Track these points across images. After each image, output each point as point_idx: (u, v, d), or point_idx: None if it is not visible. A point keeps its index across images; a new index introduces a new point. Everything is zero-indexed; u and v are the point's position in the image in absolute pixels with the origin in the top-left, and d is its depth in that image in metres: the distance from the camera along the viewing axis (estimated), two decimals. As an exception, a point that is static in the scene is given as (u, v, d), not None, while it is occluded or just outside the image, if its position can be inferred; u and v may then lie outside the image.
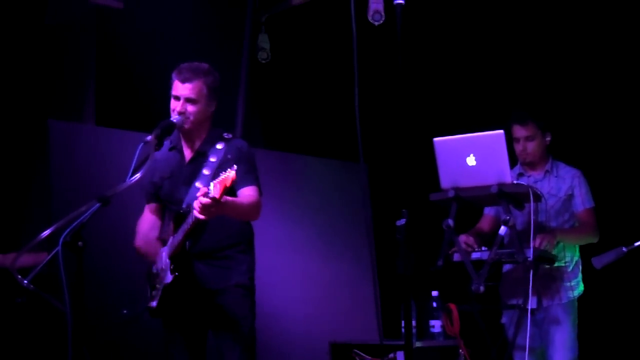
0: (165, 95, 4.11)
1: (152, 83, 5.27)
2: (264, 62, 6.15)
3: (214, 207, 3.61)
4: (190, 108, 4.01)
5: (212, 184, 3.56)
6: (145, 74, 5.59)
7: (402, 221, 3.03)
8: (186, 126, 4.02)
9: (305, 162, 6.51)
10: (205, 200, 3.58)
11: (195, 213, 3.66)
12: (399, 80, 2.98)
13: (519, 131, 4.79)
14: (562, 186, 4.80)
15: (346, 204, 6.57)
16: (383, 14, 5.53)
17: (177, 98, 4.02)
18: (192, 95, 4.00)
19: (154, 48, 5.65)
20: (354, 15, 3.57)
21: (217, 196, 3.54)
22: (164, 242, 4.08)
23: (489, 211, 4.97)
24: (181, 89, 4.01)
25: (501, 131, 4.36)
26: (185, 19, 5.77)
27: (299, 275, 6.22)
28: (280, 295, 5.91)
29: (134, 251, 4.20)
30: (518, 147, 4.82)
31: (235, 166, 3.57)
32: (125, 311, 4.19)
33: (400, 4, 2.83)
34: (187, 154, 4.13)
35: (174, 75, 4.06)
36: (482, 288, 4.32)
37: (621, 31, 5.78)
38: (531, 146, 4.80)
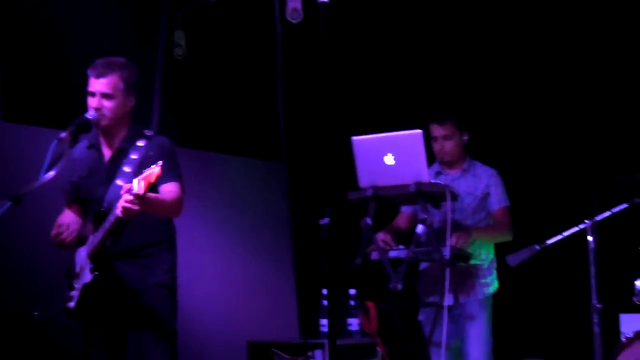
0: (81, 90, 4.02)
1: (66, 78, 5.14)
2: (180, 58, 6.05)
3: (137, 204, 3.55)
4: (107, 104, 3.94)
5: (135, 180, 3.53)
6: (58, 68, 5.43)
7: (326, 220, 3.03)
8: (103, 122, 3.95)
9: (224, 160, 6.44)
10: (129, 197, 3.53)
11: (118, 211, 3.59)
12: (322, 78, 2.97)
13: (437, 130, 4.85)
14: (479, 185, 4.88)
15: (266, 202, 6.54)
16: (301, 12, 5.55)
17: (93, 94, 3.95)
18: (108, 90, 3.93)
19: (67, 41, 5.49)
20: (279, 12, 3.53)
21: (141, 193, 3.51)
22: (83, 241, 3.98)
23: (406, 209, 5.01)
24: (96, 84, 3.94)
25: (419, 131, 4.40)
26: (100, 13, 5.63)
27: (219, 274, 6.15)
28: (199, 294, 5.84)
29: (49, 251, 4.09)
30: (436, 146, 4.88)
31: (160, 162, 3.54)
32: (36, 313, 4.08)
33: (325, 2, 2.80)
34: (107, 152, 4.05)
35: (88, 71, 3.99)
36: (399, 286, 4.34)
37: (533, 34, 5.90)
38: (449, 145, 4.87)
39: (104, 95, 3.93)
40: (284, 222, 6.53)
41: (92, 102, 3.94)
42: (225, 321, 6.06)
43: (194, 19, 6.14)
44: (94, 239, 3.88)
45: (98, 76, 3.93)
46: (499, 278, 4.87)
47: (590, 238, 4.30)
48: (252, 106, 6.54)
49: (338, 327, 5.27)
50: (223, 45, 6.41)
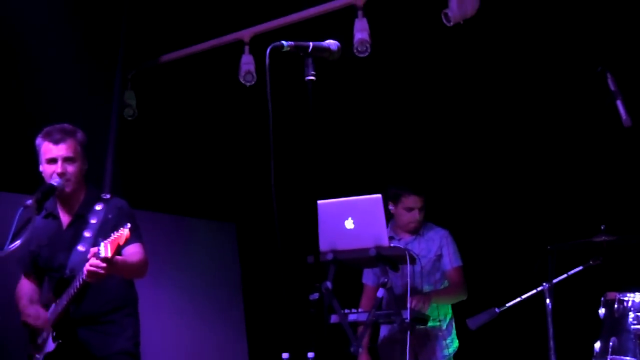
0: (28, 151, 3.95)
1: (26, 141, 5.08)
2: (130, 119, 6.03)
3: (104, 268, 3.52)
4: (70, 168, 3.91)
5: (102, 244, 3.49)
6: (18, 131, 5.34)
7: (316, 295, 3.03)
8: (68, 188, 3.90)
9: (175, 221, 6.40)
10: (96, 261, 3.49)
11: (84, 276, 3.55)
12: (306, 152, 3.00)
13: (416, 201, 4.91)
14: (432, 247, 4.95)
15: (217, 263, 6.50)
16: (255, 75, 5.64)
17: (54, 160, 3.90)
18: (70, 154, 3.91)
19: (21, 104, 5.41)
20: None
21: (109, 256, 3.48)
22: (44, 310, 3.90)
23: (366, 280, 5.04)
24: (56, 150, 3.90)
25: (379, 195, 4.46)
26: (56, 74, 5.58)
27: (171, 336, 6.06)
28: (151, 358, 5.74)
29: (10, 320, 3.98)
30: (410, 215, 4.91)
31: (128, 225, 3.52)
32: None
33: (311, 79, 2.86)
34: (65, 218, 4.01)
35: (42, 139, 3.94)
36: (361, 350, 4.38)
37: (486, 102, 5.97)
38: (422, 216, 4.94)
39: (66, 160, 3.89)
40: (235, 284, 6.49)
41: (55, 168, 3.88)
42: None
43: (144, 80, 6.13)
44: (57, 307, 3.81)
45: (57, 142, 3.89)
46: (459, 337, 4.90)
47: (547, 300, 4.38)
48: (201, 166, 6.53)
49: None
50: (173, 105, 6.39)
